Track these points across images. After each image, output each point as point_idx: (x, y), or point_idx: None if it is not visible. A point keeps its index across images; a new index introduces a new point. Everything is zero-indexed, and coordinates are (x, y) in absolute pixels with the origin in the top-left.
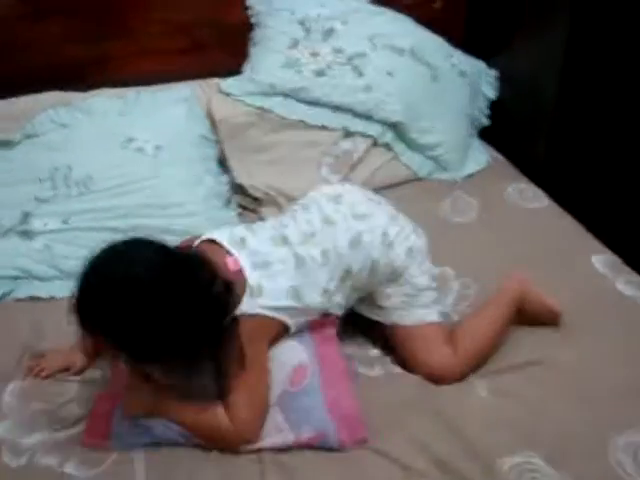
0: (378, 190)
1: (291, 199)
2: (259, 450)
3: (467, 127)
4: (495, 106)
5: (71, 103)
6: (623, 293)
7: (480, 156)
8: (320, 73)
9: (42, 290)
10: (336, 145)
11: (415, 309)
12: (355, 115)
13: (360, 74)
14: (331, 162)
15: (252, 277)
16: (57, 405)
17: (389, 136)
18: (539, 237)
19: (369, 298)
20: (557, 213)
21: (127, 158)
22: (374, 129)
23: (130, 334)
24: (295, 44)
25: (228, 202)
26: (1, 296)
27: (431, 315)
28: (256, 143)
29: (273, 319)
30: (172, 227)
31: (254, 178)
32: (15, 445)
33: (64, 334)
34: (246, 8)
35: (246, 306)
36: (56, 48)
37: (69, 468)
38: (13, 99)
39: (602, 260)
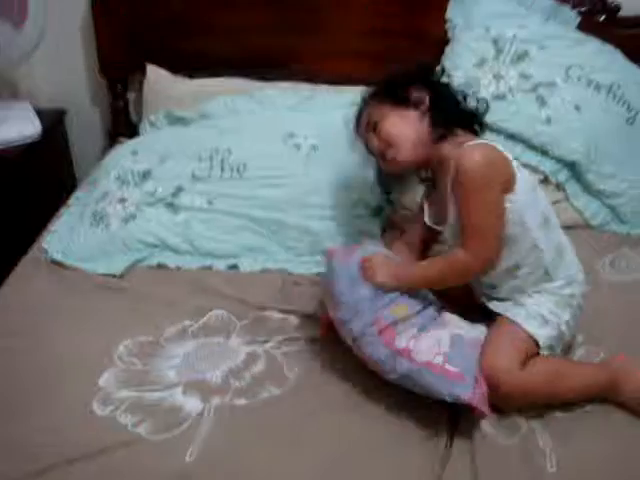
0: None
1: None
2: None
3: None
4: None
5: (249, 91)
6: None
7: None
8: (499, 97)
9: (172, 260)
10: None
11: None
12: (529, 147)
13: (543, 103)
14: None
15: None
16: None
17: (563, 175)
18: None
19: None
20: None
21: (283, 152)
22: (548, 165)
23: None
24: (481, 63)
25: (376, 213)
26: (135, 262)
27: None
28: None
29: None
30: (310, 228)
31: (406, 195)
32: (107, 396)
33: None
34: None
35: None
36: (248, 35)
37: (141, 429)
38: (200, 80)
39: None
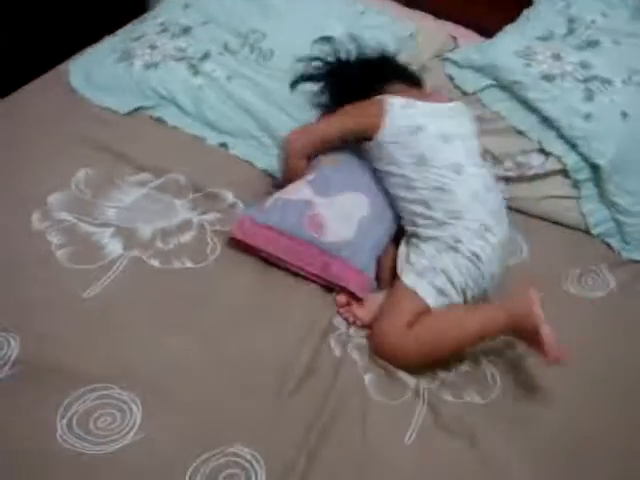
0: (525, 216)
1: None
2: None
3: None
4: None
5: None
6: None
7: None
8: (548, 78)
9: (173, 118)
10: (523, 154)
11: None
12: (559, 136)
13: (589, 98)
14: (507, 166)
15: None
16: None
17: (583, 174)
18: None
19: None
20: None
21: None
22: (572, 160)
23: None
24: (547, 38)
25: None
26: (139, 107)
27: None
28: None
29: None
30: None
31: None
32: (48, 213)
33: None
34: None
35: None
36: None
37: (61, 252)
38: None
39: None
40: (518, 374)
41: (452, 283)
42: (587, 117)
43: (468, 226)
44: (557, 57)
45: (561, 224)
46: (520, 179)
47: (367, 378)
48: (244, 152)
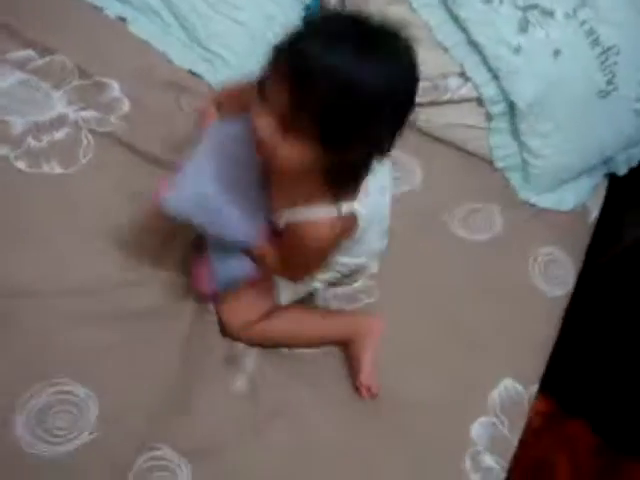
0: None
1: None
2: None
3: (593, 164)
4: None
5: None
6: None
7: (570, 200)
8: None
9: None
10: (442, 77)
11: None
12: (483, 63)
13: (523, 30)
14: (425, 86)
15: None
16: None
17: (498, 109)
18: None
19: None
20: (554, 311)
21: None
22: (490, 91)
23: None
24: None
25: None
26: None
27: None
28: None
29: None
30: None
31: None
32: None
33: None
34: None
35: None
36: None
37: None
38: None
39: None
40: None
41: (314, 290)
42: (516, 50)
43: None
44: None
45: (466, 152)
46: (432, 102)
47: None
48: (143, 30)
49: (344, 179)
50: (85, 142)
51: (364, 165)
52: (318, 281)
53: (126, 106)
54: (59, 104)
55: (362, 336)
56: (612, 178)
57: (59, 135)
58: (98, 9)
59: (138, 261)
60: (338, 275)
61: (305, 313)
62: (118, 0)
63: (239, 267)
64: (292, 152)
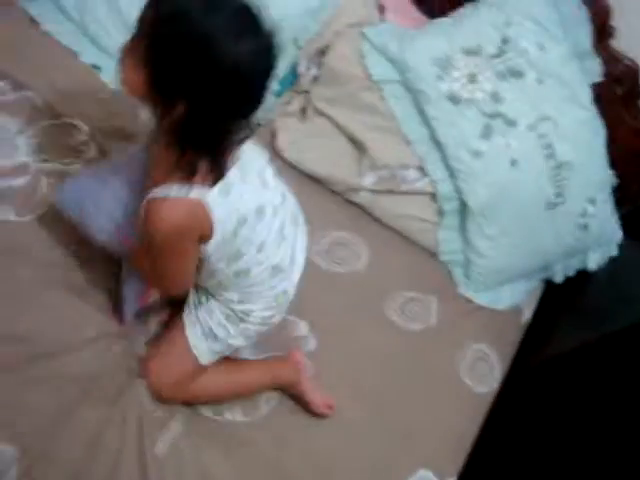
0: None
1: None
2: None
3: (533, 271)
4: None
5: None
6: None
7: (506, 299)
8: (453, 100)
9: (50, 20)
10: (402, 168)
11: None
12: (445, 163)
13: (486, 136)
14: (383, 175)
15: None
16: None
17: (451, 206)
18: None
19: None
20: (478, 407)
21: None
22: (445, 189)
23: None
24: (474, 52)
25: None
26: None
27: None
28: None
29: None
30: None
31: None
32: None
33: None
34: None
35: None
36: None
37: None
38: None
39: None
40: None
41: (230, 347)
42: (476, 154)
43: (262, 293)
44: (473, 79)
45: (411, 241)
46: (389, 191)
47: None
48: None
49: (196, 148)
50: (40, 194)
51: (214, 138)
52: (232, 337)
53: (93, 151)
54: (23, 150)
55: (290, 380)
56: (548, 283)
57: (18, 182)
58: (73, 53)
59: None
60: (249, 327)
61: (227, 368)
62: (96, 46)
63: (136, 285)
64: (130, 74)
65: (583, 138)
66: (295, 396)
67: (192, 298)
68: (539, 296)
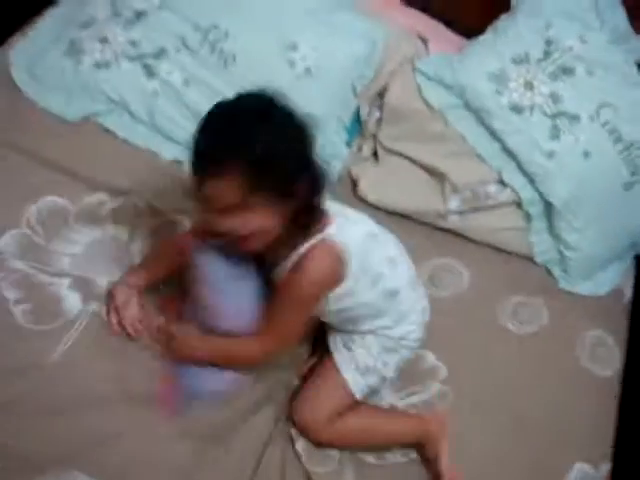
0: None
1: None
2: None
3: (624, 249)
4: None
5: None
6: None
7: (605, 284)
8: (516, 109)
9: (124, 128)
10: (481, 184)
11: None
12: (518, 168)
13: (555, 137)
14: (466, 195)
15: None
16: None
17: (536, 209)
18: (555, 412)
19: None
20: (608, 390)
21: (276, 64)
22: (527, 194)
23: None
24: (522, 60)
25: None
26: (90, 114)
27: (360, 391)
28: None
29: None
30: None
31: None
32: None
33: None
34: None
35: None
36: None
37: (19, 310)
38: None
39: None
40: None
41: (384, 380)
42: (550, 155)
43: (412, 308)
44: (529, 86)
45: (505, 251)
46: (476, 211)
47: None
48: None
49: (307, 218)
50: None
51: (311, 204)
52: (387, 369)
53: None
54: (136, 254)
55: (434, 437)
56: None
57: None
58: (152, 153)
59: None
60: (402, 354)
61: (377, 410)
62: (172, 142)
63: (213, 380)
64: (264, 221)
65: None
66: (425, 455)
67: (338, 341)
68: (634, 273)
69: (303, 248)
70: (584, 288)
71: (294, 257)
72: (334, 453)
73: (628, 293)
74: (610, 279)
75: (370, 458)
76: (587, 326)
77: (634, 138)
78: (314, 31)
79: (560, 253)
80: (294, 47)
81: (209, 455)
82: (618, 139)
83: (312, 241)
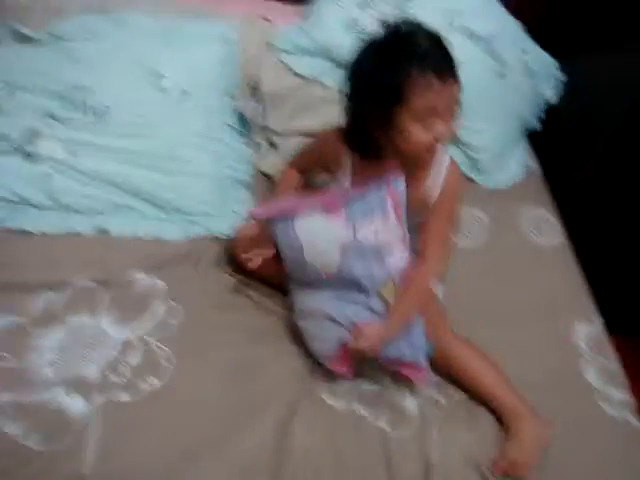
0: None
1: None
2: None
3: (518, 132)
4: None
5: (108, 10)
6: None
7: (517, 168)
8: None
9: (36, 222)
10: None
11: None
12: None
13: None
14: None
15: None
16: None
17: None
18: (527, 286)
19: None
20: (562, 257)
21: (150, 98)
22: None
23: None
24: (365, 4)
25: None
26: None
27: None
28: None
29: None
30: (179, 184)
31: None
32: None
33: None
34: None
35: None
36: None
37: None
38: None
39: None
40: None
41: None
42: None
43: None
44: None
45: None
46: None
47: None
48: (129, 229)
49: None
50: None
51: None
52: None
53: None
54: (111, 331)
55: (527, 426)
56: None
57: (134, 361)
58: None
59: None
60: None
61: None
62: (88, 214)
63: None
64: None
65: (486, 6)
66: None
67: None
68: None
69: (443, 167)
70: (501, 179)
71: (434, 175)
72: None
73: (538, 170)
74: (520, 162)
75: None
76: (530, 207)
77: (489, 32)
78: (170, 54)
79: (471, 159)
80: (160, 76)
81: None
82: (478, 38)
83: (446, 158)
